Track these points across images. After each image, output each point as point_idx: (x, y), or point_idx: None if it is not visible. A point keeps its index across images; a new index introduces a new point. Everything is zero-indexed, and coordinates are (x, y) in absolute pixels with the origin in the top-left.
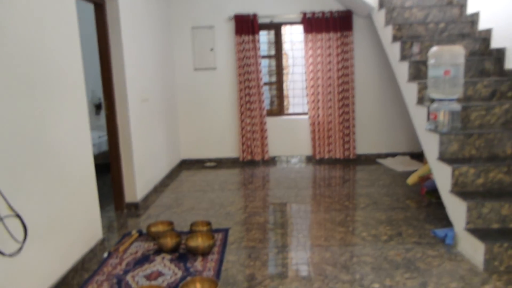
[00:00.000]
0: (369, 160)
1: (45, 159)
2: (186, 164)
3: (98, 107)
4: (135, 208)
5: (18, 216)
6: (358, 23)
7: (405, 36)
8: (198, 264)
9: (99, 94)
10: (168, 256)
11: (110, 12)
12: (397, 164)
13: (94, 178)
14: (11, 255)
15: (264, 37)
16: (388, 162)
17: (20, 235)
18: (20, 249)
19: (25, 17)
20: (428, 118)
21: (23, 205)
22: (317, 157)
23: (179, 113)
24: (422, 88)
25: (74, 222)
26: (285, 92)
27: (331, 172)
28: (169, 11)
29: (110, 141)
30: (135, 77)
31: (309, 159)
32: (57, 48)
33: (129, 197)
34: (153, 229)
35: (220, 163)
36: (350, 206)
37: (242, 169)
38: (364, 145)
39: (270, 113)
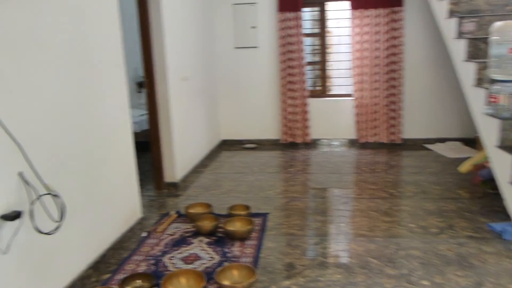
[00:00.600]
0: (417, 145)
1: (85, 136)
2: (226, 145)
3: (140, 85)
4: (175, 188)
5: (56, 195)
6: None
7: (463, 11)
8: (236, 249)
9: (141, 72)
10: (205, 239)
11: None
12: (448, 151)
13: (133, 156)
14: (48, 233)
15: (308, 14)
16: (437, 148)
17: (58, 213)
18: (58, 227)
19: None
20: (488, 102)
21: (63, 182)
22: (361, 141)
23: (219, 93)
24: (482, 68)
25: (114, 200)
26: (328, 73)
27: (375, 157)
28: None
29: (150, 120)
30: (175, 55)
31: (353, 143)
32: (98, 26)
33: (168, 177)
34: (191, 210)
35: (260, 145)
36: (396, 194)
37: (283, 151)
38: (411, 129)
39: (313, 94)
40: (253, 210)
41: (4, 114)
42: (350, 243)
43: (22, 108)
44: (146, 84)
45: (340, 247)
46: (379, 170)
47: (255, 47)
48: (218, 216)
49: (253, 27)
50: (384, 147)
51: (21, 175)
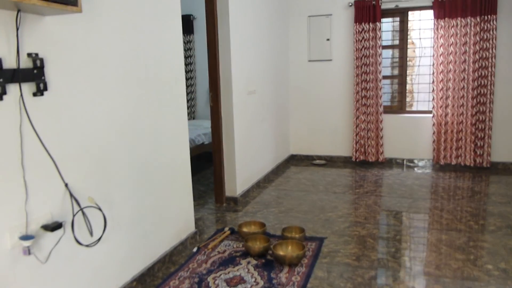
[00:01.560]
0: (508, 170)
1: (139, 148)
2: (295, 160)
3: None
4: (234, 203)
5: (98, 208)
6: (504, 4)
7: None
8: (283, 275)
9: None
10: (253, 261)
11: (219, 2)
12: None
13: (189, 169)
14: (88, 246)
15: (387, 25)
16: None
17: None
18: (99, 240)
19: (138, 24)
20: None
21: (113, 193)
22: (441, 162)
23: (290, 106)
24: None
25: (166, 213)
26: (409, 87)
27: (457, 182)
28: (283, 0)
29: (213, 133)
30: (242, 68)
31: (431, 165)
32: (158, 42)
33: (229, 191)
34: (245, 228)
35: (330, 161)
36: (476, 227)
37: (353, 169)
38: (502, 152)
39: (389, 109)
40: (309, 233)
41: (57, 125)
42: (412, 282)
43: (76, 120)
44: (211, 98)
45: (399, 286)
46: (459, 197)
47: (329, 60)
48: (271, 237)
49: (328, 39)
50: (468, 171)
51: (67, 186)
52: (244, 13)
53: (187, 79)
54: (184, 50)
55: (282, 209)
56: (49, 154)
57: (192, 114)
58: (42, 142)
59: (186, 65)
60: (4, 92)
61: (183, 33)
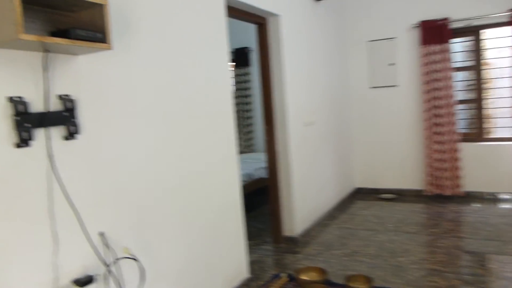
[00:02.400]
0: None
1: (182, 188)
2: (360, 194)
3: None
4: (293, 243)
5: (134, 259)
6: None
7: None
8: None
9: None
10: None
11: (272, 31)
12: None
13: (241, 209)
14: None
15: (458, 45)
16: None
17: (141, 275)
18: None
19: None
20: None
21: (152, 241)
22: None
23: (353, 136)
24: None
25: (216, 259)
26: (486, 112)
27: None
28: (341, 25)
29: (269, 169)
30: (298, 99)
31: None
32: (208, 78)
33: (287, 230)
34: (304, 275)
35: (400, 196)
36: None
37: (426, 205)
38: None
39: (466, 137)
40: (378, 283)
41: (90, 170)
42: None
43: (111, 164)
44: (266, 131)
45: None
46: None
47: (393, 85)
48: (333, 287)
49: (391, 64)
50: None
51: (101, 236)
52: (298, 42)
53: (245, 111)
54: (242, 82)
55: (346, 252)
56: (80, 201)
57: (251, 147)
58: (73, 188)
59: (243, 97)
60: (31, 138)
61: (240, 65)
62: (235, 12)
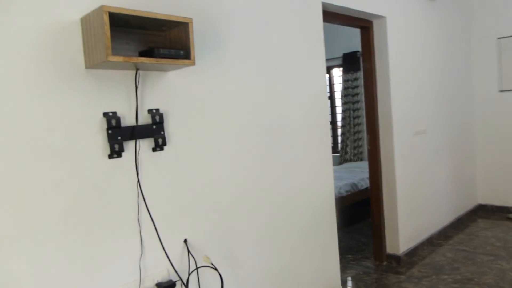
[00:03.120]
0: None
1: (269, 198)
2: (483, 211)
3: None
4: (396, 262)
5: (214, 268)
6: None
7: None
8: None
9: None
10: None
11: (377, 35)
12: None
13: (334, 222)
14: None
15: None
16: None
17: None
18: None
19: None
20: None
21: (235, 250)
22: None
23: (476, 147)
24: None
25: (303, 275)
26: None
27: None
28: (466, 22)
29: (371, 181)
30: (406, 106)
31: None
32: (297, 85)
33: (390, 248)
34: None
35: None
36: None
37: None
38: None
39: None
40: None
41: (177, 179)
42: None
43: (196, 173)
44: (369, 141)
45: None
46: None
47: None
48: None
49: None
50: None
51: (185, 242)
52: (407, 45)
53: (354, 118)
54: (351, 88)
55: (457, 278)
56: (166, 209)
57: (359, 155)
58: (159, 196)
59: (352, 103)
60: (122, 149)
61: (349, 70)
62: (336, 18)
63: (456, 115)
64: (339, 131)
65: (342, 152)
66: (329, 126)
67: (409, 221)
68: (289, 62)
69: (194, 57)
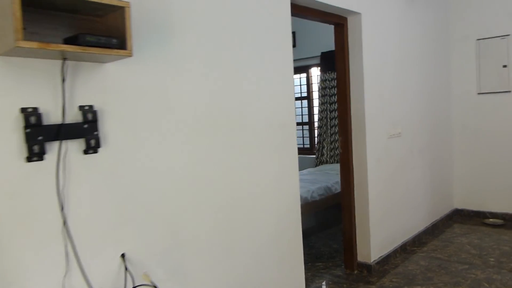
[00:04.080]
0: None
1: (225, 206)
2: (460, 216)
3: None
4: (367, 271)
5: (154, 287)
6: None
7: None
8: None
9: None
10: None
11: (351, 32)
12: None
13: (299, 232)
14: None
15: None
16: None
17: None
18: None
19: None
20: None
21: (185, 264)
22: None
23: (454, 149)
24: None
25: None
26: None
27: None
28: (445, 22)
29: (343, 185)
30: (380, 108)
31: None
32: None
33: (361, 255)
34: None
35: (510, 221)
36: None
37: None
38: None
39: None
40: None
41: (113, 186)
42: None
43: (138, 179)
44: (340, 143)
45: None
46: None
47: (507, 91)
48: None
49: (505, 66)
50: None
51: (123, 257)
52: (383, 43)
53: (331, 119)
54: (328, 88)
55: None
56: (100, 220)
57: (336, 157)
58: (91, 205)
59: (330, 103)
60: (44, 151)
61: (327, 70)
62: (308, 12)
63: (433, 118)
64: (316, 132)
65: (318, 154)
66: (295, 127)
67: (382, 227)
68: (252, 57)
69: (131, 47)
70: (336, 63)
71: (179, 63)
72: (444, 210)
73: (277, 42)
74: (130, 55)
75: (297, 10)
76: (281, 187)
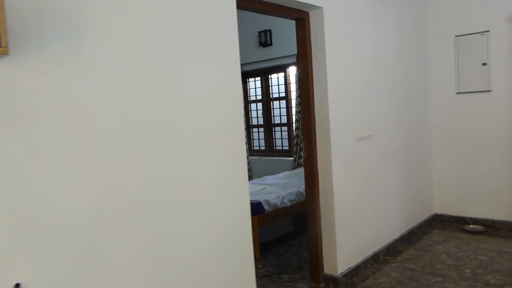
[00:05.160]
0: None
1: (157, 224)
2: (439, 222)
3: None
4: (334, 285)
5: None
6: None
7: None
8: None
9: None
10: None
11: (313, 27)
12: None
13: (251, 250)
14: None
15: None
16: None
17: None
18: None
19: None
20: None
21: None
22: None
23: (433, 152)
24: None
25: None
26: None
27: None
28: (421, 17)
29: (307, 192)
30: (347, 108)
31: None
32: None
33: (328, 267)
34: None
35: (491, 228)
36: None
37: None
38: None
39: None
40: None
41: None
42: None
43: (37, 192)
44: (304, 147)
45: None
46: None
47: (486, 91)
48: None
49: (484, 64)
50: None
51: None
52: (350, 37)
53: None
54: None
55: None
56: None
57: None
58: None
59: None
60: None
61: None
62: (266, 7)
63: (409, 119)
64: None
65: (296, 156)
66: (243, 131)
67: (351, 236)
68: (189, 54)
69: (6, 44)
70: (298, 61)
71: (93, 63)
72: (422, 215)
73: (220, 36)
74: (6, 53)
75: (254, 5)
76: (226, 198)
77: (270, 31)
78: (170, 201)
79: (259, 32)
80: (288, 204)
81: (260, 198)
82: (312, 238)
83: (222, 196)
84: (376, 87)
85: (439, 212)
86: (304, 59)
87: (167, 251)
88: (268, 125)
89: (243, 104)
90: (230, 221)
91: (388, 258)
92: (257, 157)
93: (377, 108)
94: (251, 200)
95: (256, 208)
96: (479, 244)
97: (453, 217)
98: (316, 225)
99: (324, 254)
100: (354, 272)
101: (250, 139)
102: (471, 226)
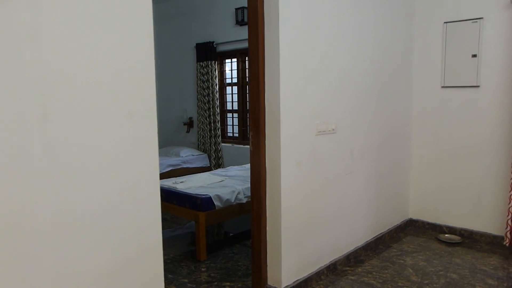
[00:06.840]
0: None
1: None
2: (414, 228)
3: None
4: None
5: None
6: None
7: None
8: None
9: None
10: None
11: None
12: None
13: (160, 262)
14: None
15: None
16: None
17: None
18: None
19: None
20: None
21: None
22: None
23: (410, 151)
24: None
25: None
26: None
27: None
28: (406, 1)
29: (253, 193)
30: (304, 95)
31: None
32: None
33: (272, 279)
34: None
35: (468, 239)
36: None
37: (505, 260)
38: None
39: None
40: None
41: None
42: None
43: None
44: (251, 141)
45: None
46: None
47: (475, 86)
48: None
49: (474, 56)
50: None
51: None
52: (312, 11)
53: None
54: None
55: None
56: None
57: None
58: None
59: None
60: None
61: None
62: None
63: (385, 113)
64: None
65: None
66: (155, 117)
67: (302, 244)
68: (76, 11)
69: None
70: (248, 38)
71: None
72: (395, 220)
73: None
74: None
75: None
76: (130, 199)
77: None
78: (59, 206)
79: (236, 9)
80: (244, 200)
81: (211, 192)
82: (255, 245)
83: (124, 196)
84: (345, 74)
85: (414, 217)
86: (255, 34)
87: (43, 276)
88: (244, 110)
89: (154, 83)
90: (136, 227)
91: (347, 268)
92: (230, 145)
93: (345, 98)
94: (200, 194)
95: (205, 203)
96: (452, 258)
97: (428, 223)
98: (261, 230)
99: (268, 264)
100: (303, 285)
101: (225, 125)
102: (446, 235)
